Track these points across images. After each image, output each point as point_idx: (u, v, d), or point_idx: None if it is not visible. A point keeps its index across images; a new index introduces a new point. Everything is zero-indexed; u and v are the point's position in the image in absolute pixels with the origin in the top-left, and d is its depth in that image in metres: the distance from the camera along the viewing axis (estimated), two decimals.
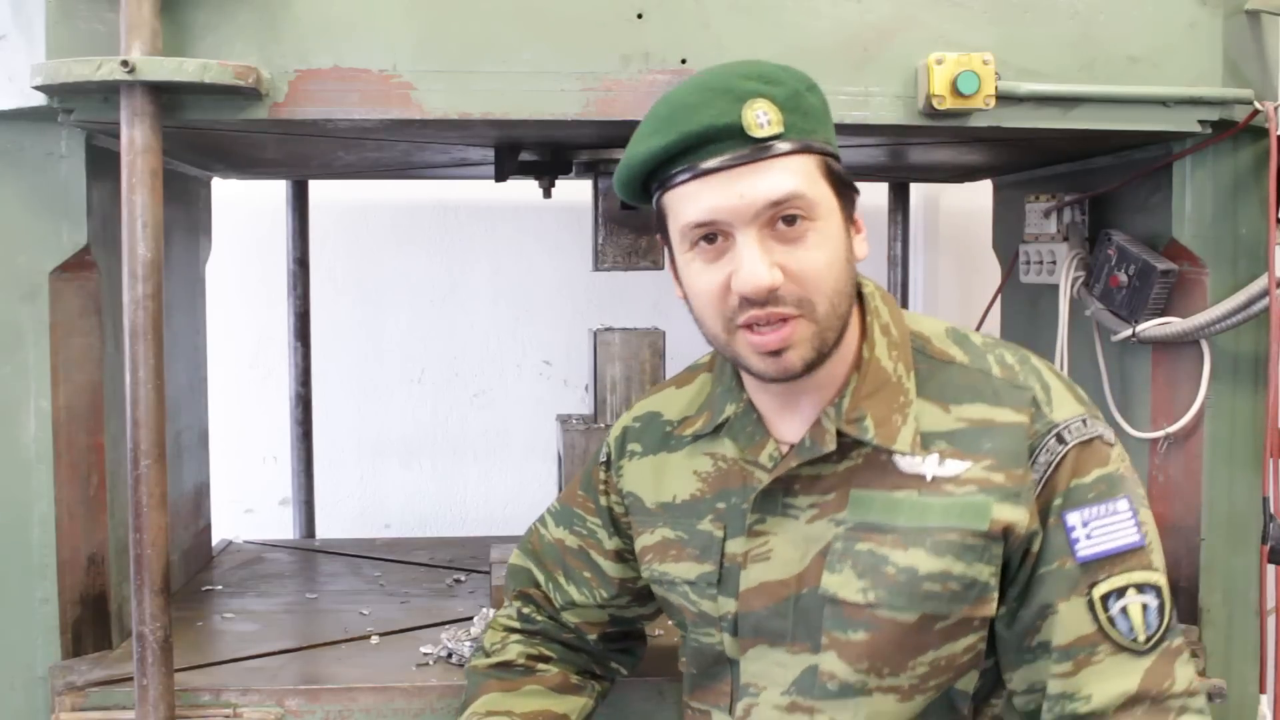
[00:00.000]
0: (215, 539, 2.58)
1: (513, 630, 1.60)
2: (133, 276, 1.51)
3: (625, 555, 1.55)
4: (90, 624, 1.78)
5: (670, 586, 1.45)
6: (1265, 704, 1.81)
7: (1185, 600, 1.88)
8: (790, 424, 1.37)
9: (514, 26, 1.61)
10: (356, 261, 3.14)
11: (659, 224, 1.34)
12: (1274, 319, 1.74)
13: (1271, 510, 1.77)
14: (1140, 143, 1.87)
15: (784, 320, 1.25)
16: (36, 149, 1.69)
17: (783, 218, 1.24)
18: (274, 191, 2.87)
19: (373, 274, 3.15)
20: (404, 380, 3.19)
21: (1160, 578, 1.30)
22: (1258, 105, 1.73)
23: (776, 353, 1.26)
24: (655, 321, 2.29)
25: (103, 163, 1.73)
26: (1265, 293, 1.73)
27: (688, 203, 1.26)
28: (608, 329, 2.19)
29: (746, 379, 1.40)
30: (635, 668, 1.66)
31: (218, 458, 2.56)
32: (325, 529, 2.98)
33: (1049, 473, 1.30)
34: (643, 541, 1.49)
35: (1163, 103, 1.71)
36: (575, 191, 2.29)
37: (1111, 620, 1.27)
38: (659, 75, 1.62)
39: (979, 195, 2.66)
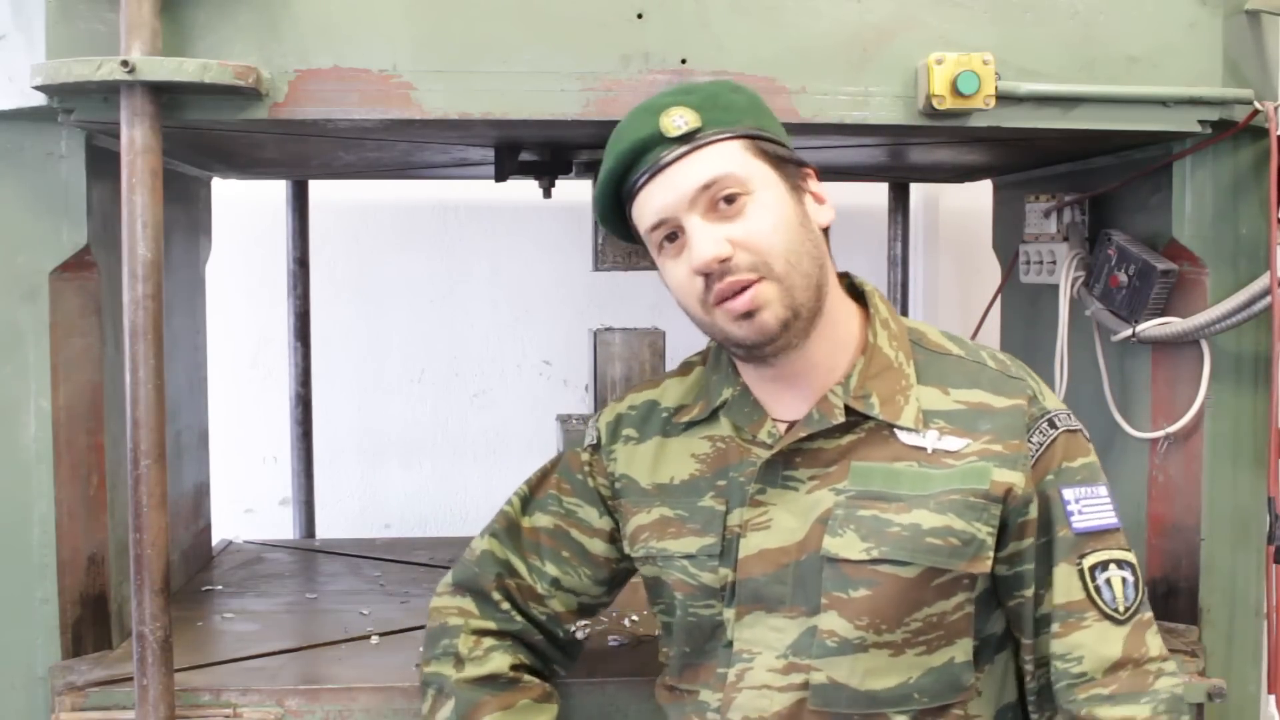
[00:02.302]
0: (215, 539, 2.58)
1: (487, 633, 1.59)
2: (133, 276, 1.51)
3: (614, 535, 1.59)
4: (90, 624, 1.78)
5: (667, 562, 1.49)
6: (1271, 704, 1.80)
7: (1185, 600, 1.88)
8: (786, 404, 1.46)
9: (514, 26, 1.61)
10: (356, 261, 3.14)
11: (640, 239, 1.46)
12: (1275, 319, 1.74)
13: (1277, 510, 1.77)
14: (1140, 143, 1.87)
15: (746, 286, 1.35)
16: (36, 149, 1.69)
17: (722, 198, 1.36)
18: (274, 191, 2.87)
19: (373, 274, 3.15)
20: (404, 380, 3.19)
21: (1134, 558, 1.46)
22: (1258, 105, 1.73)
23: (749, 315, 1.35)
24: (655, 321, 2.29)
25: (103, 163, 1.73)
26: (1265, 292, 1.73)
27: (642, 210, 1.41)
28: (608, 329, 2.19)
29: (741, 365, 1.49)
30: (571, 669, 1.68)
31: (218, 458, 2.56)
32: (325, 529, 2.98)
33: (1042, 451, 1.43)
34: (637, 521, 1.54)
35: (1163, 103, 1.71)
36: (575, 191, 2.29)
37: (1098, 589, 1.42)
38: (659, 75, 1.62)
39: (979, 195, 2.66)
